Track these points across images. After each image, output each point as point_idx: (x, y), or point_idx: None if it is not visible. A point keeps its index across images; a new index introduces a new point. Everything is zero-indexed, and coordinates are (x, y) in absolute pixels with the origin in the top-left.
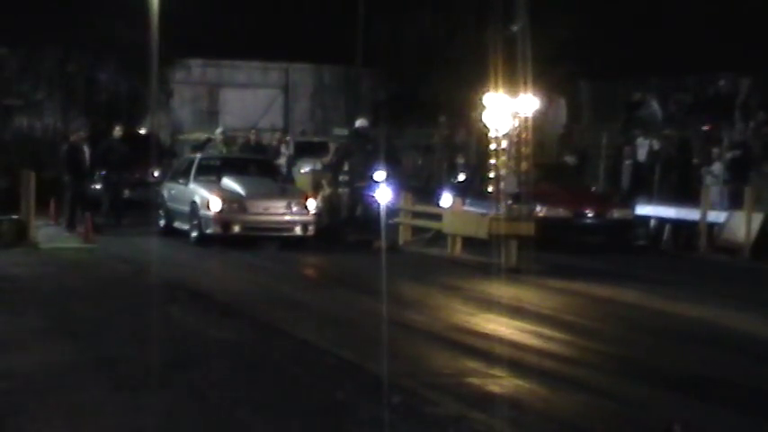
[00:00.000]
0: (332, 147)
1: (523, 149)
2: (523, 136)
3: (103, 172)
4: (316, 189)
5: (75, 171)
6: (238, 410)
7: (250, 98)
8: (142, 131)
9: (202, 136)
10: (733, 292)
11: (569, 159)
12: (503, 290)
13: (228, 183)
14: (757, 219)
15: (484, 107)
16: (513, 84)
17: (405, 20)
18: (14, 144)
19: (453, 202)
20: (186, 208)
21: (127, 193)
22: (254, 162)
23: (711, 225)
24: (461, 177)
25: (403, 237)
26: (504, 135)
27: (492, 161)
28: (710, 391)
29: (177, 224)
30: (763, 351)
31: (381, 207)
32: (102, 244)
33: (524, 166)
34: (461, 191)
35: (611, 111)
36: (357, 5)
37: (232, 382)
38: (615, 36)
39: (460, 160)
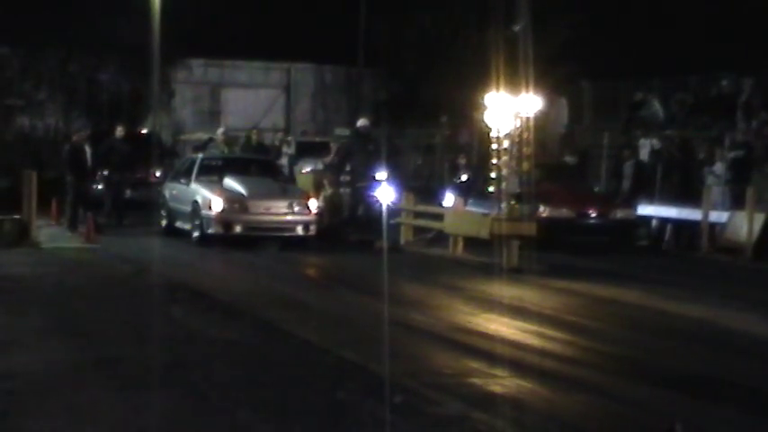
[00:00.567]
0: (333, 147)
1: (525, 149)
2: (525, 136)
3: (105, 172)
4: (317, 189)
5: (76, 171)
6: (240, 410)
7: (252, 98)
8: (144, 131)
9: (204, 136)
10: (734, 293)
11: (568, 159)
12: (504, 290)
13: (230, 183)
14: (759, 219)
15: (485, 107)
16: (514, 84)
17: (406, 20)
18: (16, 144)
19: (455, 202)
20: (188, 208)
21: (128, 193)
22: (255, 162)
23: (713, 225)
24: (464, 177)
25: (404, 237)
26: (505, 135)
27: (494, 161)
28: (711, 391)
29: (179, 224)
30: (764, 351)
31: (383, 207)
32: (103, 244)
33: (526, 166)
34: (464, 191)
35: (612, 111)
36: (359, 5)
37: (233, 382)
38: (617, 36)
39: (462, 160)
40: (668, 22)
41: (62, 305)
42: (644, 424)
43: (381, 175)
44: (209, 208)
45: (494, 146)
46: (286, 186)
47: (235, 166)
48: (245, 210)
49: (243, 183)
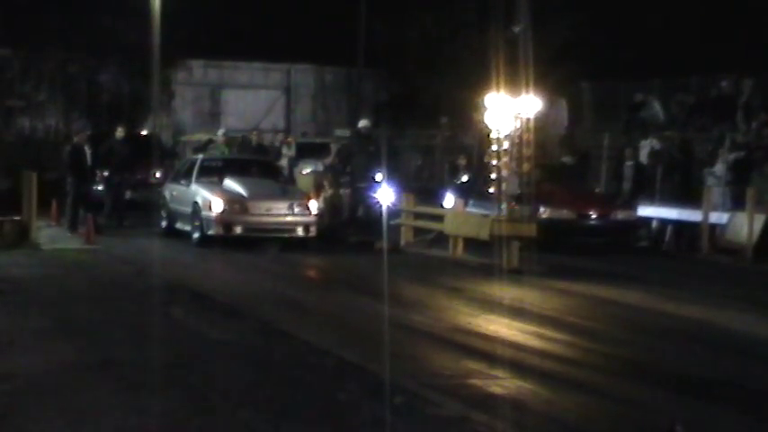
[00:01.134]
0: (333, 148)
1: (525, 151)
2: (525, 137)
3: (105, 173)
4: (317, 190)
5: (77, 172)
6: (240, 411)
7: (252, 99)
8: (144, 133)
9: (204, 137)
10: (735, 294)
11: (566, 159)
12: (504, 291)
13: (230, 184)
14: (759, 220)
15: (485, 108)
16: (514, 85)
17: (406, 21)
18: (16, 145)
19: (455, 204)
20: (188, 209)
21: (129, 194)
22: (255, 163)
23: (713, 226)
24: (465, 178)
25: (404, 238)
26: (505, 136)
27: (494, 162)
28: (711, 391)
29: (179, 225)
30: (764, 352)
31: (383, 208)
32: (103, 245)
33: (526, 167)
34: (464, 192)
35: (612, 112)
36: (359, 6)
37: (234, 383)
38: (617, 37)
39: (462, 161)
40: (668, 22)
41: (62, 306)
42: (644, 424)
43: (381, 176)
44: (210, 209)
45: (494, 147)
46: (286, 187)
47: (235, 167)
48: (245, 211)
49: (243, 184)
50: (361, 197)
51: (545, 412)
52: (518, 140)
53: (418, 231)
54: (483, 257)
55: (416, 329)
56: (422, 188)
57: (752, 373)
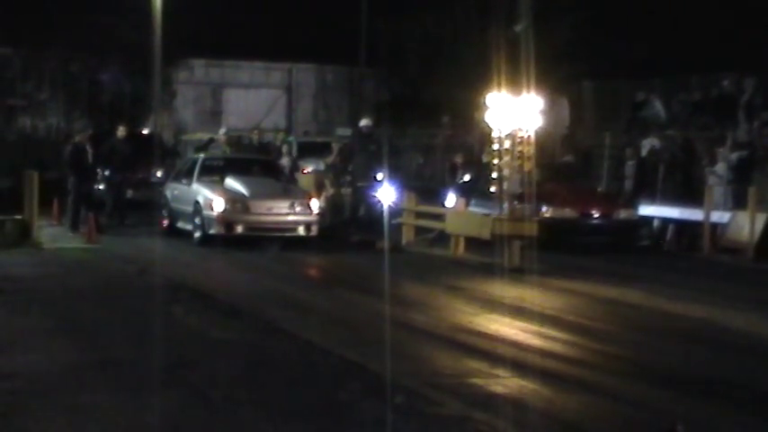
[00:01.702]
0: (335, 147)
1: (526, 150)
2: (526, 136)
3: (107, 172)
4: (319, 189)
5: (78, 171)
6: (241, 411)
7: (253, 98)
8: (145, 132)
9: (205, 136)
10: (736, 293)
11: (568, 158)
12: (506, 290)
13: (232, 183)
14: (761, 219)
15: (487, 107)
16: (515, 84)
17: (408, 20)
18: (18, 144)
19: (456, 203)
20: (189, 208)
21: (130, 193)
22: (257, 162)
23: (715, 225)
24: (467, 178)
25: (406, 237)
26: (506, 135)
27: (495, 161)
28: (712, 391)
29: (180, 224)
30: (765, 351)
31: (384, 207)
32: (105, 244)
33: (527, 166)
34: (466, 191)
35: (614, 111)
36: (360, 6)
37: (235, 383)
38: (618, 36)
39: (459, 159)
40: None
41: (63, 305)
42: (645, 424)
43: (382, 175)
44: (211, 208)
45: (495, 146)
46: (288, 187)
47: (236, 166)
48: (246, 210)
49: (244, 183)
50: (362, 196)
51: (546, 411)
52: (519, 140)
53: (419, 230)
54: (484, 256)
55: (417, 329)
56: (423, 187)
57: (753, 372)
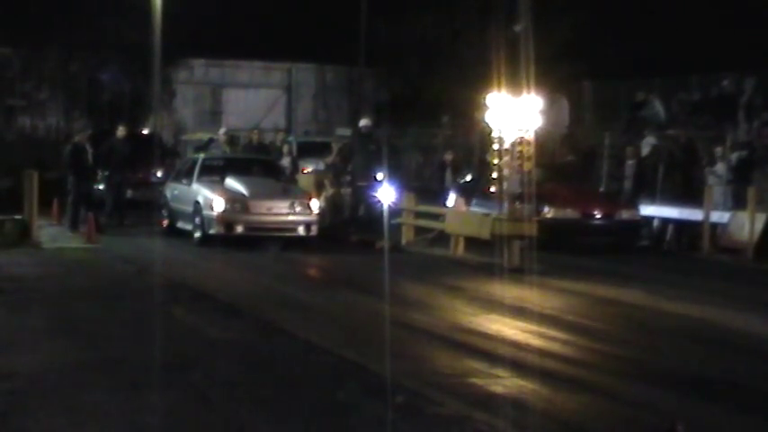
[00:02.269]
0: (334, 147)
1: (526, 149)
2: (526, 136)
3: (106, 172)
4: (318, 189)
5: (78, 171)
6: (241, 411)
7: (253, 98)
8: (145, 131)
9: (205, 136)
10: (735, 293)
11: (571, 158)
12: (505, 290)
13: (232, 183)
14: (760, 219)
15: (486, 107)
16: (515, 84)
17: (407, 20)
18: (17, 144)
19: (456, 202)
20: (189, 208)
21: (130, 193)
22: (257, 162)
23: (714, 225)
24: (468, 178)
25: (405, 237)
26: (506, 135)
27: (495, 161)
28: (712, 391)
29: (180, 224)
30: (765, 351)
31: (384, 207)
32: (104, 244)
33: (527, 166)
34: (467, 191)
35: (613, 111)
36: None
37: (235, 383)
38: (618, 36)
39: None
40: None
41: (63, 305)
42: (644, 424)
43: (382, 175)
44: (211, 208)
45: (495, 146)
46: (287, 187)
47: (236, 166)
48: (246, 210)
49: (244, 183)
50: (362, 196)
51: (546, 411)
52: (519, 139)
53: (419, 230)
54: (484, 256)
55: (417, 328)
56: (423, 187)
57: (752, 372)
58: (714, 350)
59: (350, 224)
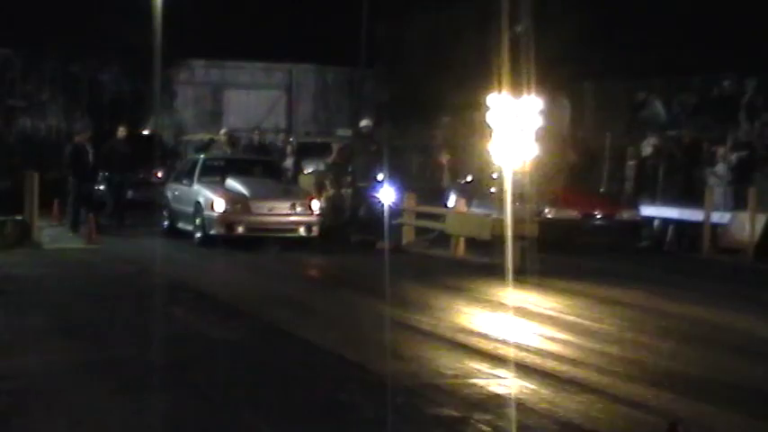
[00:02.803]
0: (335, 147)
1: (526, 150)
2: (526, 137)
3: (107, 173)
4: (319, 190)
5: (78, 172)
6: (241, 411)
7: (253, 99)
8: (145, 132)
9: (206, 137)
10: (736, 293)
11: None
12: (506, 291)
13: (232, 183)
14: (761, 220)
15: (487, 108)
16: (516, 84)
17: (408, 21)
18: (18, 145)
19: (456, 203)
20: (190, 209)
21: (130, 193)
22: (257, 163)
23: (715, 226)
24: (468, 178)
25: (406, 237)
26: (506, 135)
27: (495, 162)
28: (712, 391)
29: (181, 225)
30: (765, 351)
31: (384, 207)
32: (105, 245)
33: (527, 166)
34: (468, 192)
35: (614, 111)
36: (360, 6)
37: (235, 383)
38: (619, 36)
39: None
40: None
41: (64, 306)
42: (646, 424)
43: (383, 175)
44: (212, 209)
45: (495, 147)
46: (288, 187)
47: (237, 166)
48: (247, 210)
49: (245, 183)
50: (362, 197)
51: (547, 412)
52: (518, 140)
53: (420, 231)
54: (485, 257)
55: (418, 329)
56: (423, 188)
57: (752, 372)
58: (714, 350)
59: (350, 225)
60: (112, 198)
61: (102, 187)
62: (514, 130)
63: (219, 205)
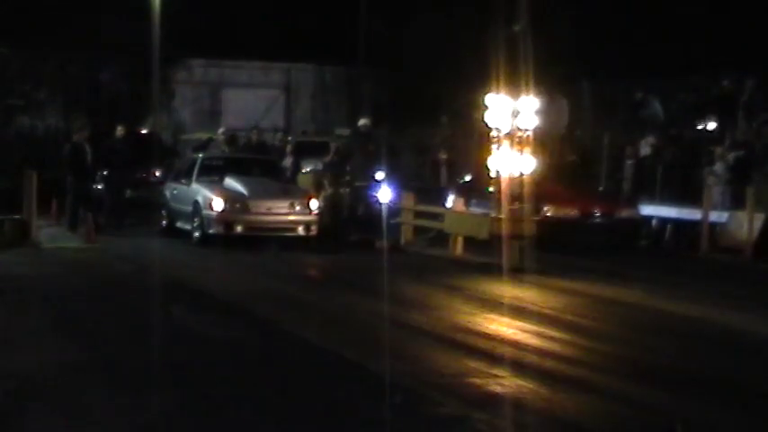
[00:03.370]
0: (333, 146)
1: (525, 149)
2: (525, 136)
3: (105, 172)
4: (317, 189)
5: (77, 171)
6: (241, 410)
7: (252, 98)
8: (144, 131)
9: (204, 136)
10: (734, 292)
11: (573, 158)
12: (505, 290)
13: (231, 183)
14: (759, 219)
15: (485, 107)
16: (514, 84)
17: (406, 20)
18: (16, 144)
19: (455, 202)
20: (189, 208)
21: (129, 193)
22: (256, 162)
23: (713, 225)
24: (467, 178)
25: (405, 237)
26: (505, 135)
27: (494, 161)
28: (712, 391)
29: (179, 224)
30: (765, 351)
31: (383, 207)
32: (103, 244)
33: (527, 166)
34: (466, 191)
35: (612, 111)
36: (358, 5)
37: (233, 382)
38: (617, 35)
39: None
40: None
41: (62, 305)
42: (644, 424)
43: (381, 174)
44: (210, 208)
45: (494, 146)
46: (287, 186)
47: (235, 166)
48: (245, 210)
49: (244, 183)
50: (361, 196)
51: (545, 411)
52: (518, 140)
53: (418, 230)
54: (483, 256)
55: (416, 328)
56: (422, 187)
57: (752, 372)
58: (713, 350)
59: (349, 224)
60: (111, 197)
61: (100, 186)
62: (513, 129)
63: (218, 204)
